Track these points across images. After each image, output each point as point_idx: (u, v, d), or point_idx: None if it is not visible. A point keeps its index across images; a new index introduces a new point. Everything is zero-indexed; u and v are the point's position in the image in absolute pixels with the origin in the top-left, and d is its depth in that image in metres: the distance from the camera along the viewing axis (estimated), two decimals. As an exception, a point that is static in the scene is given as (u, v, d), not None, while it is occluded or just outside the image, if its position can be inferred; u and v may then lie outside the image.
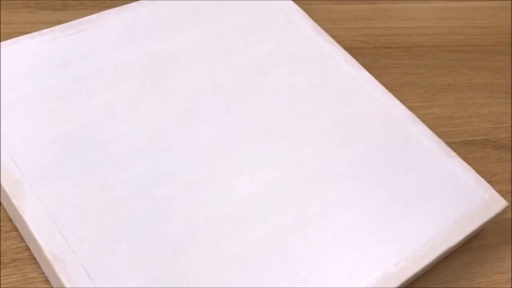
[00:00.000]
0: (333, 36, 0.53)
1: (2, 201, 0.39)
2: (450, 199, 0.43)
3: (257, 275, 0.37)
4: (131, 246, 0.36)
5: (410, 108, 0.49)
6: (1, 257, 0.37)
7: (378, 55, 0.57)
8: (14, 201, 0.37)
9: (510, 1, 0.68)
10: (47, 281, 0.37)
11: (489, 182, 0.46)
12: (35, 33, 0.46)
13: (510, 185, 0.49)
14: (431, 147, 0.46)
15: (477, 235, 0.45)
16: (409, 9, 0.64)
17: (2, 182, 0.37)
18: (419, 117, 0.48)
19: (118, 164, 0.40)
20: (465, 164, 0.46)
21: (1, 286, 0.36)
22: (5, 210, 0.39)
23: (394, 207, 0.42)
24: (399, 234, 0.41)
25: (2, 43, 0.44)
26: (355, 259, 0.39)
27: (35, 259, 0.37)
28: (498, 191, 0.45)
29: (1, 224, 0.39)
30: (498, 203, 0.44)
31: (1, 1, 0.51)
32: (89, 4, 0.53)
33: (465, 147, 0.51)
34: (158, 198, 0.39)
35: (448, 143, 0.47)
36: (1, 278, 0.36)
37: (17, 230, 0.38)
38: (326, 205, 0.41)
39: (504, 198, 0.44)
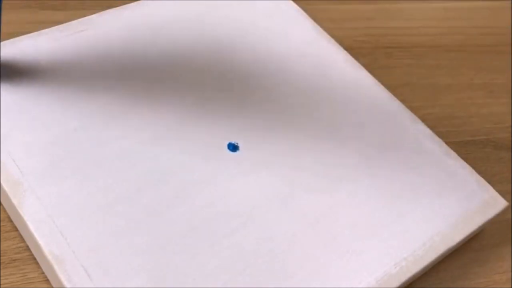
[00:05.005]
0: (333, 36, 0.53)
1: (2, 201, 0.39)
2: (450, 199, 0.43)
3: (257, 275, 0.37)
4: (131, 246, 0.36)
5: (410, 108, 0.49)
6: (1, 257, 0.37)
7: (378, 55, 0.57)
8: (14, 201, 0.36)
9: (510, 1, 0.68)
10: (47, 281, 0.37)
11: (489, 182, 0.46)
12: (35, 33, 0.46)
13: (510, 185, 0.49)
14: (431, 147, 0.46)
15: (477, 235, 0.45)
16: (409, 9, 0.64)
17: (2, 182, 0.37)
18: (419, 117, 0.48)
19: (118, 163, 0.40)
20: (465, 164, 0.46)
21: (1, 286, 0.36)
22: (5, 210, 0.39)
23: (394, 207, 0.42)
24: (399, 234, 0.41)
25: (2, 43, 0.44)
26: (355, 259, 0.39)
27: (35, 259, 0.37)
28: (498, 191, 0.45)
29: (1, 224, 0.39)
30: (498, 203, 0.44)
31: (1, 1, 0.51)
32: (89, 4, 0.53)
33: (465, 147, 0.51)
34: (158, 198, 0.39)
35: (448, 143, 0.47)
36: (1, 278, 0.36)
37: (17, 230, 0.38)
38: (325, 205, 0.41)
39: (504, 198, 0.44)
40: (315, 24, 0.53)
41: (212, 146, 0.42)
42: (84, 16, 0.48)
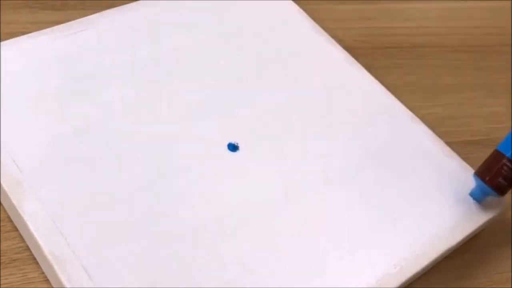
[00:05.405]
0: (333, 36, 0.53)
1: (2, 201, 0.39)
2: (450, 199, 0.43)
3: (257, 275, 0.37)
4: (131, 246, 0.36)
5: (410, 108, 0.49)
6: (1, 257, 0.37)
7: (378, 55, 0.57)
8: (14, 201, 0.36)
9: (510, 1, 0.68)
10: (47, 281, 0.37)
11: (489, 182, 0.46)
12: (35, 33, 0.46)
13: (510, 185, 0.49)
14: (431, 147, 0.46)
15: (477, 235, 0.45)
16: (409, 9, 0.64)
17: (2, 182, 0.37)
18: (419, 117, 0.48)
19: (118, 164, 0.40)
20: (465, 164, 0.46)
21: (1, 286, 0.36)
22: (5, 210, 0.39)
23: (394, 207, 0.42)
24: (399, 234, 0.40)
25: (2, 43, 0.44)
26: (355, 259, 0.39)
27: (35, 259, 0.37)
28: (498, 191, 0.45)
29: (1, 224, 0.39)
30: (498, 203, 0.44)
31: (1, 1, 0.51)
32: (89, 4, 0.53)
33: (465, 147, 0.51)
34: (158, 199, 0.39)
35: (448, 143, 0.47)
36: (1, 278, 0.36)
37: (17, 230, 0.38)
38: (326, 205, 0.41)
39: (504, 198, 0.44)
40: (315, 24, 0.53)
41: (212, 146, 0.42)
42: (84, 16, 0.48)
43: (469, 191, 0.43)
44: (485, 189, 0.42)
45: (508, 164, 0.40)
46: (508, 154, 0.40)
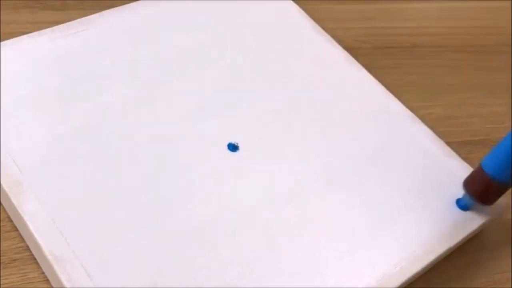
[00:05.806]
0: (333, 36, 0.53)
1: (2, 201, 0.39)
2: (450, 199, 0.43)
3: (257, 275, 0.37)
4: (131, 246, 0.36)
5: (410, 108, 0.49)
6: (1, 257, 0.37)
7: (378, 55, 0.57)
8: (14, 201, 0.36)
9: (510, 1, 0.68)
10: (47, 281, 0.37)
11: (489, 182, 0.46)
12: (35, 33, 0.46)
13: (510, 185, 0.49)
14: (431, 147, 0.46)
15: (477, 235, 0.45)
16: (409, 9, 0.64)
17: (2, 182, 0.37)
18: (419, 117, 0.48)
19: (118, 164, 0.40)
20: (465, 164, 0.46)
21: (1, 286, 0.36)
22: (5, 210, 0.39)
23: (394, 207, 0.42)
24: (399, 234, 0.40)
25: (2, 43, 0.44)
26: (355, 259, 0.39)
27: (35, 259, 0.37)
28: (498, 191, 0.45)
29: (1, 224, 0.39)
30: (498, 203, 0.44)
31: (1, 1, 0.51)
32: (89, 4, 0.53)
33: (465, 147, 0.51)
34: (158, 198, 0.39)
35: (448, 143, 0.47)
36: (1, 278, 0.36)
37: (17, 230, 0.38)
38: (325, 205, 0.41)
39: (504, 198, 0.44)
40: (315, 24, 0.53)
41: (212, 146, 0.42)
42: (84, 16, 0.48)
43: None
44: (473, 202, 0.42)
45: (495, 184, 0.40)
46: (493, 175, 0.40)
